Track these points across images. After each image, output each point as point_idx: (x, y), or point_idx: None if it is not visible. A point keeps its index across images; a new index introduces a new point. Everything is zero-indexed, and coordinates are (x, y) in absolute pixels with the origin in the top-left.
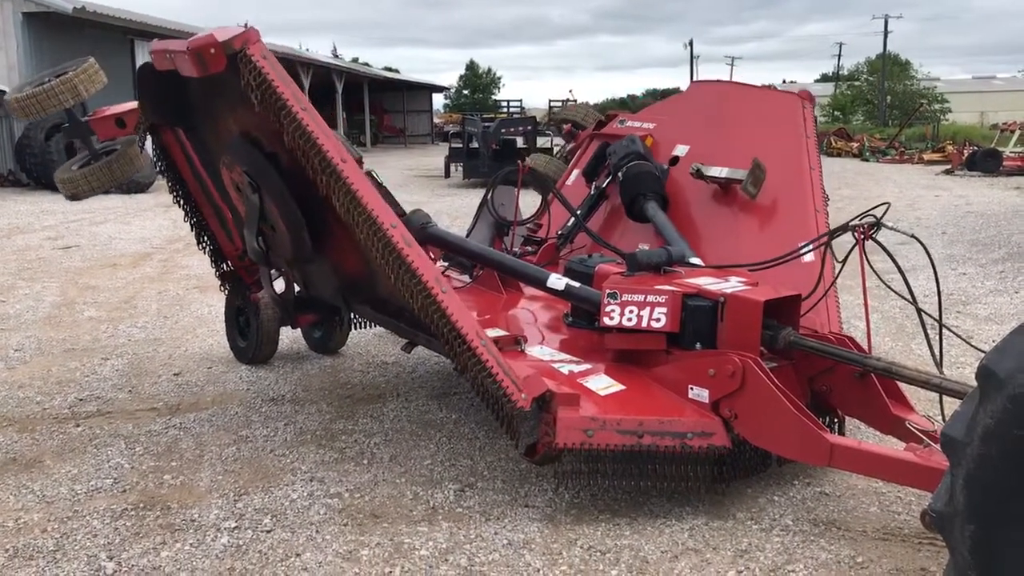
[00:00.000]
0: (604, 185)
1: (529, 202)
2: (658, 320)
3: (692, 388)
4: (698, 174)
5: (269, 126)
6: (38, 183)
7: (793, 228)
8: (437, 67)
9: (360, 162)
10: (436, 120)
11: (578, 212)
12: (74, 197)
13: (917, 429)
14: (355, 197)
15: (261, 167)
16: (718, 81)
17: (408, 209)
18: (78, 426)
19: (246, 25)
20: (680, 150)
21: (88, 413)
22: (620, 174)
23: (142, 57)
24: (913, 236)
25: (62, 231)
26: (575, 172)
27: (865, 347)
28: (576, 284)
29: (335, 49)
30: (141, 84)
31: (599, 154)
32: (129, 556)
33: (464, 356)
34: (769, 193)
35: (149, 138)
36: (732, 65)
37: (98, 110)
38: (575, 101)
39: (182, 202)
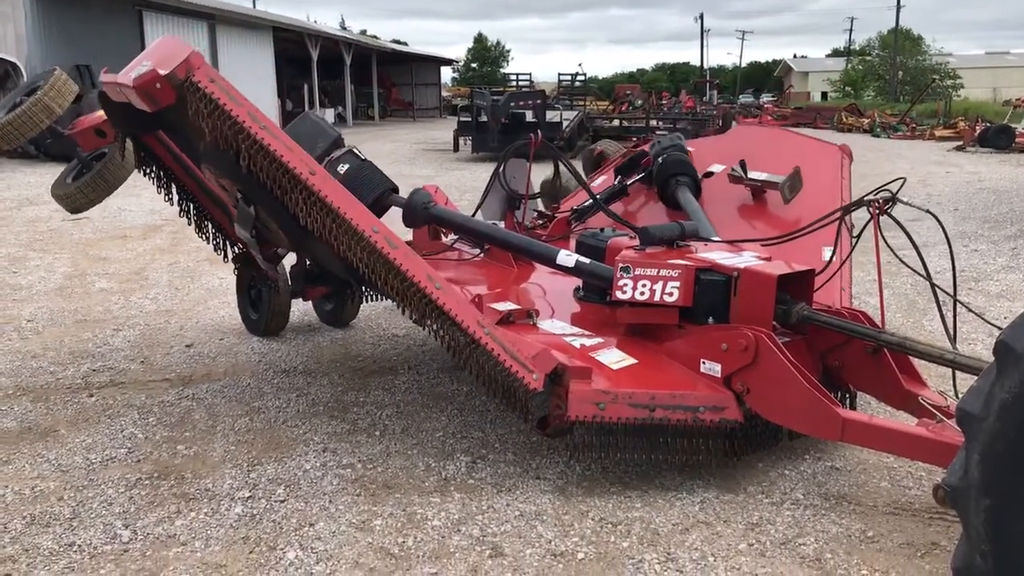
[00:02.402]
0: (630, 182)
1: (540, 176)
2: (671, 294)
3: (704, 362)
4: (736, 176)
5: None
6: (46, 155)
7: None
8: (445, 40)
9: (340, 141)
10: (444, 93)
11: (597, 196)
12: (76, 211)
13: (930, 404)
14: (332, 209)
15: (250, 183)
16: (763, 125)
17: (419, 184)
18: (91, 396)
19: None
20: (716, 167)
21: (101, 383)
22: (659, 159)
23: (150, 28)
24: (928, 212)
25: None
26: (604, 176)
27: (878, 322)
28: (586, 260)
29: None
30: (104, 106)
31: (636, 156)
32: (144, 524)
33: (468, 349)
34: (795, 212)
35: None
36: (743, 40)
37: (78, 121)
38: (584, 75)
39: (176, 199)
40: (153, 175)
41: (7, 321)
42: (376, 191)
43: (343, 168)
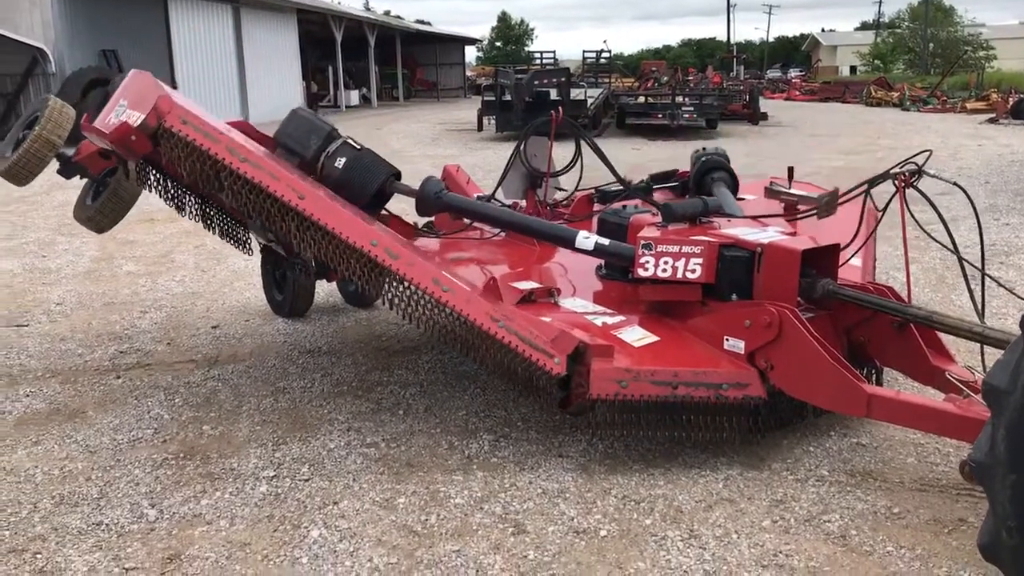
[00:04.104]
0: (660, 185)
1: (560, 154)
2: (693, 271)
3: (727, 339)
4: (771, 191)
5: None
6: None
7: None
8: (470, 19)
9: (334, 134)
10: (468, 73)
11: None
12: (101, 231)
13: (957, 379)
14: (327, 232)
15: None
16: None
17: (443, 163)
18: (119, 378)
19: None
20: (748, 196)
21: (128, 365)
22: (699, 161)
23: (175, 13)
24: (956, 184)
25: None
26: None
27: (904, 297)
28: (605, 241)
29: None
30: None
31: (673, 172)
32: (170, 504)
33: (484, 345)
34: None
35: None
36: (770, 14)
37: (81, 146)
38: (609, 52)
39: (194, 209)
40: (162, 190)
41: (36, 304)
42: (377, 180)
43: (340, 161)
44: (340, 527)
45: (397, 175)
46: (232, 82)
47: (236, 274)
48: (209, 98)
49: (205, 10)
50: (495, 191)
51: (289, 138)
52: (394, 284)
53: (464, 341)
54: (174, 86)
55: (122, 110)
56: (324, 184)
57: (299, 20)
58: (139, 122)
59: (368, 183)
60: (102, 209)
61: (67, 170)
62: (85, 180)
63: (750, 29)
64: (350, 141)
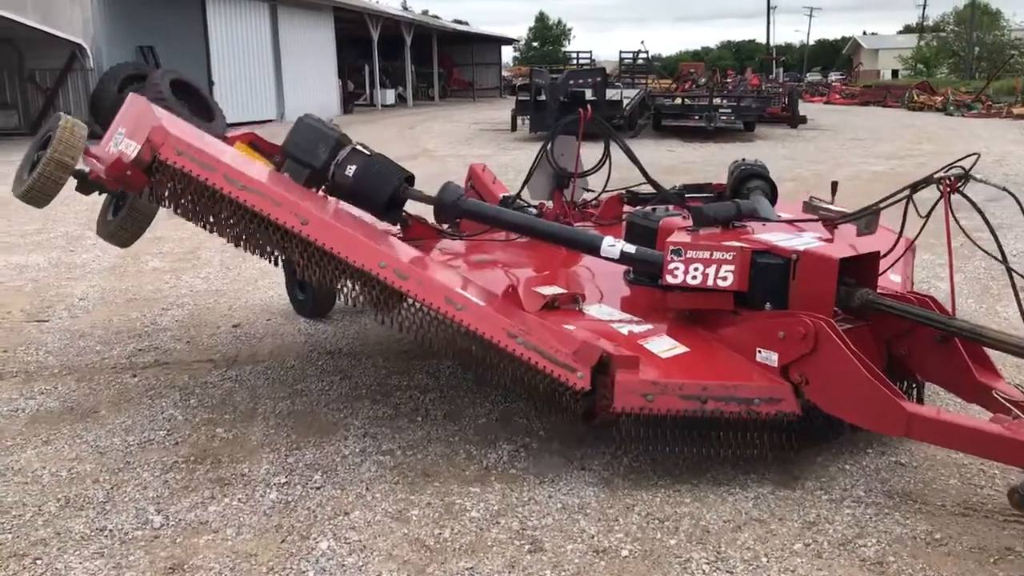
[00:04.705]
0: (692, 195)
1: (589, 154)
2: (725, 278)
3: (760, 351)
4: (810, 206)
5: None
6: None
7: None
8: (508, 19)
9: (343, 140)
10: (505, 73)
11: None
12: (124, 246)
13: (1005, 399)
14: (333, 256)
15: None
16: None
17: (473, 160)
18: (135, 376)
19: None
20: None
21: (146, 363)
22: (737, 170)
23: (213, 14)
24: (1006, 190)
25: None
26: None
27: (947, 307)
28: (632, 249)
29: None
30: None
31: (708, 184)
32: (177, 510)
33: (502, 364)
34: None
35: None
36: (811, 16)
37: (91, 172)
38: (647, 53)
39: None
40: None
41: (60, 299)
42: (390, 187)
43: (351, 170)
44: (350, 539)
45: (410, 179)
46: (268, 80)
47: (262, 272)
48: (245, 96)
49: (242, 7)
50: (520, 191)
51: (297, 148)
52: (407, 306)
53: (481, 361)
54: (211, 84)
55: (120, 139)
56: (337, 193)
57: (336, 19)
58: (134, 156)
59: (381, 191)
60: (123, 224)
61: (85, 187)
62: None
63: (790, 31)
64: (359, 147)
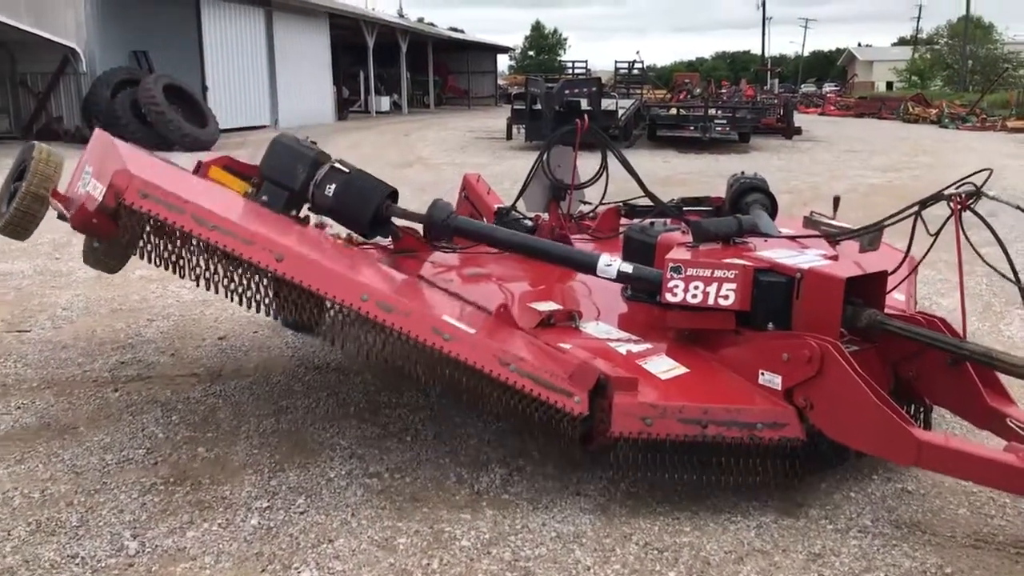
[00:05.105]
0: (689, 208)
1: (586, 166)
2: (726, 297)
3: (763, 373)
4: (811, 221)
5: None
6: None
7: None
8: (504, 28)
9: (321, 159)
10: (501, 82)
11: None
12: (112, 272)
13: (1019, 426)
14: (311, 293)
15: None
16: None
17: (474, 171)
18: (116, 391)
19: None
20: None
21: (128, 377)
22: (735, 184)
23: (207, 19)
24: (1020, 208)
25: None
26: None
27: (957, 329)
28: (629, 268)
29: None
30: None
31: (701, 197)
32: (154, 536)
33: (496, 394)
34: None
35: None
36: (806, 28)
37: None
38: (642, 63)
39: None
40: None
41: (42, 309)
42: (372, 205)
43: (331, 189)
44: (333, 569)
45: (393, 195)
46: (263, 86)
47: None
48: (239, 102)
49: (237, 13)
50: (515, 203)
51: (273, 171)
52: (392, 339)
53: (473, 391)
54: (204, 89)
55: (88, 178)
56: (319, 212)
57: (331, 25)
58: (98, 202)
59: (363, 209)
60: (108, 251)
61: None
62: None
63: (785, 43)
64: (338, 165)
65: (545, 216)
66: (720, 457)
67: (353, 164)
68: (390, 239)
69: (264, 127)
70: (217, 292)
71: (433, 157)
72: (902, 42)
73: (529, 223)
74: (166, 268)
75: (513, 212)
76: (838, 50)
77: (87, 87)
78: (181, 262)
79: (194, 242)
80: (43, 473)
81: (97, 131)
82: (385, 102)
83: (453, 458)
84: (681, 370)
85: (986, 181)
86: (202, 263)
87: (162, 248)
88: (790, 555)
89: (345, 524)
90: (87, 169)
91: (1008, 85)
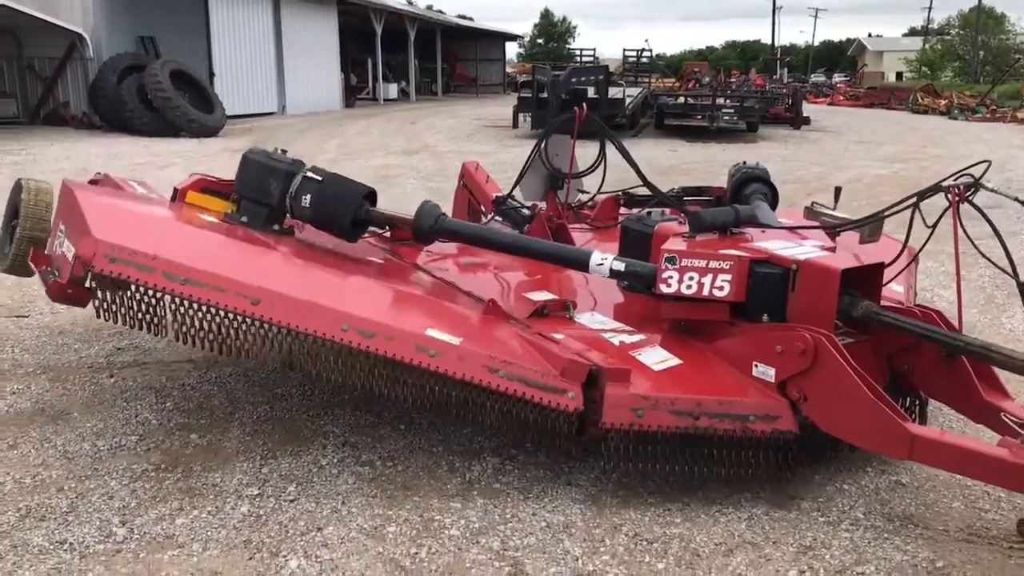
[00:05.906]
0: (690, 198)
1: (585, 154)
2: (721, 288)
3: (757, 365)
4: (812, 212)
5: None
6: (110, 125)
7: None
8: (513, 15)
9: (294, 169)
10: (509, 70)
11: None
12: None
13: (1014, 421)
14: (291, 330)
15: None
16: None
17: (480, 159)
18: (111, 377)
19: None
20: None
21: (124, 363)
22: (737, 174)
23: (215, 5)
24: (1019, 200)
25: (128, 175)
26: None
27: (954, 321)
28: (621, 265)
29: None
30: None
31: (703, 187)
32: (143, 522)
33: (487, 403)
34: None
35: None
36: (816, 17)
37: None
38: (651, 51)
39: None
40: None
41: (42, 294)
42: (350, 209)
43: (307, 199)
44: (321, 557)
45: (371, 196)
46: (270, 72)
47: None
48: (246, 88)
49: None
50: (511, 191)
51: (249, 189)
52: (377, 366)
53: (464, 404)
54: (211, 75)
55: (62, 239)
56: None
57: (339, 12)
58: (67, 279)
59: (341, 215)
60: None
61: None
62: None
63: (795, 32)
64: (310, 174)
65: (543, 205)
66: (712, 449)
67: (325, 169)
68: (387, 228)
69: (271, 114)
70: (203, 348)
71: (439, 144)
72: (913, 32)
73: (527, 212)
74: (145, 330)
75: (510, 201)
76: (848, 40)
77: (94, 72)
78: (156, 320)
79: (168, 301)
80: (35, 459)
81: (63, 185)
82: (393, 89)
83: (446, 447)
84: (674, 361)
85: (984, 173)
86: (178, 322)
87: (137, 312)
88: (780, 547)
89: (335, 512)
90: (61, 227)
91: (1019, 76)
